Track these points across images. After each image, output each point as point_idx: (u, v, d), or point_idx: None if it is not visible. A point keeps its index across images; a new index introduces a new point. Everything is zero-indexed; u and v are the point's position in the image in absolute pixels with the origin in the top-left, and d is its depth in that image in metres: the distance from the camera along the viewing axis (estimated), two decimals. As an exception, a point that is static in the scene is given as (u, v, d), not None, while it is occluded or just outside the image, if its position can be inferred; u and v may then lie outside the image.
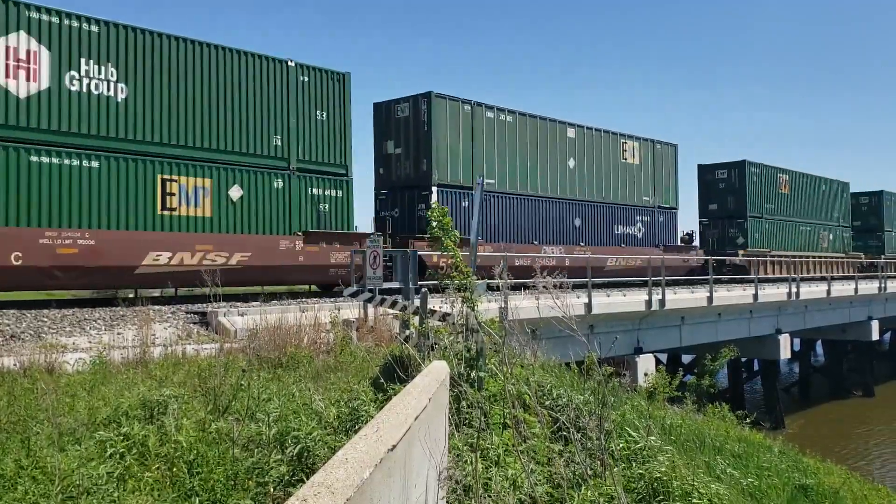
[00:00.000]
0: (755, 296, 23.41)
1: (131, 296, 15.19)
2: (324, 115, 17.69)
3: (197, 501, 5.28)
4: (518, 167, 23.27)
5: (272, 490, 5.50)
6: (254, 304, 13.98)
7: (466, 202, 21.12)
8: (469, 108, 21.80)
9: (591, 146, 25.98)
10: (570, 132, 25.20)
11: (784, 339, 25.09)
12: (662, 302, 19.05)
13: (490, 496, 5.62)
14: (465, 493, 5.48)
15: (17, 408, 6.53)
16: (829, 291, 28.00)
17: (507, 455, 6.40)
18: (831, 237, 40.14)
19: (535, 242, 23.46)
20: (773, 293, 25.11)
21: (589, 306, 16.72)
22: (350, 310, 12.76)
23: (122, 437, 5.85)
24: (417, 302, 10.41)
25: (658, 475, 6.58)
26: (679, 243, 30.02)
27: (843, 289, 29.96)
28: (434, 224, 9.05)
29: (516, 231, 22.95)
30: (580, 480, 6.29)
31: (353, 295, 12.55)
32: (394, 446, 3.46)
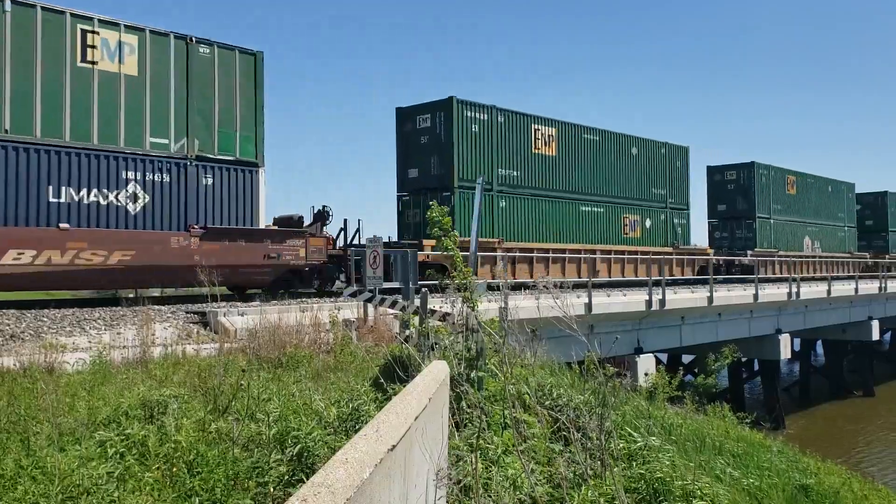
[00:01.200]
0: (755, 296, 23.46)
1: (131, 295, 15.20)
2: None
3: (197, 501, 5.27)
4: None
5: (272, 490, 5.50)
6: (253, 303, 13.99)
7: None
8: None
9: None
10: None
11: (784, 339, 25.15)
12: (663, 302, 19.08)
13: (490, 496, 5.62)
14: (464, 493, 5.48)
15: (17, 408, 6.53)
16: (829, 291, 28.06)
17: (506, 455, 6.40)
18: (648, 224, 28.49)
19: None
20: (774, 293, 25.16)
21: (589, 306, 16.74)
22: (350, 310, 12.78)
23: (122, 437, 5.85)
24: (417, 302, 10.42)
25: (659, 475, 6.58)
26: (257, 227, 16.50)
27: (843, 289, 30.02)
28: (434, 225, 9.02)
29: None
30: (580, 480, 6.29)
31: (353, 295, 12.57)
32: (394, 446, 3.46)
